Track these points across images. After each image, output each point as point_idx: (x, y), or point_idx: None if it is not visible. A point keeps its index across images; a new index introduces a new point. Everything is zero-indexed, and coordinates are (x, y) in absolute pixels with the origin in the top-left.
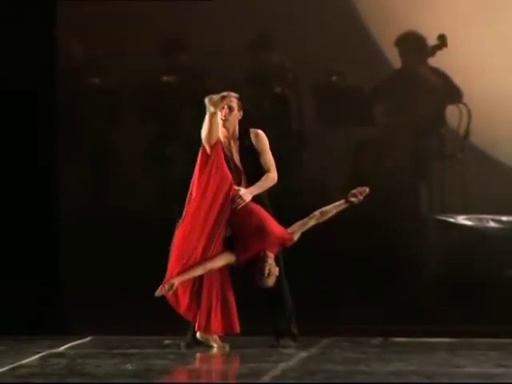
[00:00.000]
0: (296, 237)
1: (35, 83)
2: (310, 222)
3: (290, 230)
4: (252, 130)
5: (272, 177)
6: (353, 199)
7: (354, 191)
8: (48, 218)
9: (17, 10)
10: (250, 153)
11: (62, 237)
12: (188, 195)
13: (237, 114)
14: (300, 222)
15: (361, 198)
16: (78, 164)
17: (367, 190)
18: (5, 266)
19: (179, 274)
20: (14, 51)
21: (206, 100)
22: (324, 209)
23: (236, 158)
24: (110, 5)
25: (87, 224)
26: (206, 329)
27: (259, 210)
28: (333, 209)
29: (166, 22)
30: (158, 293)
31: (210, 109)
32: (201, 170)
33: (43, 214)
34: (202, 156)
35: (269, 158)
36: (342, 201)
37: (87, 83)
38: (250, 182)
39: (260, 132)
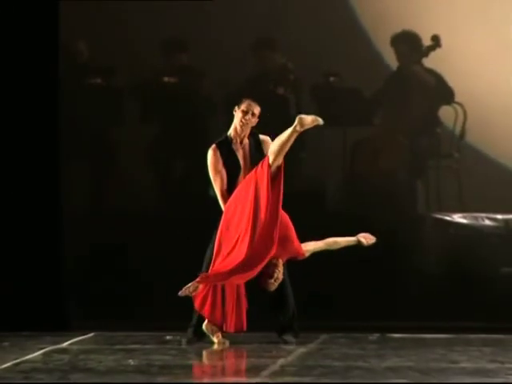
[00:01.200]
0: (307, 254)
1: (37, 83)
2: (323, 246)
3: (303, 245)
4: (261, 136)
5: None
6: (362, 240)
7: (364, 234)
8: (49, 216)
9: (19, 10)
10: (255, 155)
11: (63, 235)
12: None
13: (256, 121)
14: (314, 243)
15: (369, 242)
16: (78, 164)
17: (374, 239)
18: (8, 265)
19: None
20: (16, 51)
21: (297, 118)
22: (338, 239)
23: (240, 156)
24: (112, 5)
25: (88, 223)
26: (231, 327)
27: (286, 218)
28: (344, 242)
29: (167, 22)
30: (181, 293)
31: (296, 127)
32: (272, 185)
33: (45, 213)
34: (268, 168)
35: None
36: (354, 238)
37: (89, 83)
38: None
39: (268, 139)
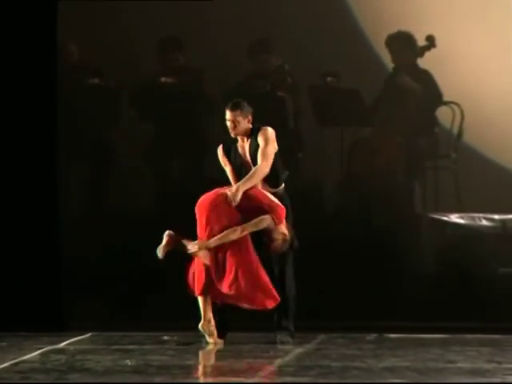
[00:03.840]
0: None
1: (35, 83)
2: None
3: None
4: (261, 127)
5: (260, 168)
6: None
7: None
8: (48, 217)
9: (17, 10)
10: (256, 147)
11: (62, 235)
12: None
13: (245, 119)
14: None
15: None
16: (77, 164)
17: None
18: (6, 265)
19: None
20: (14, 51)
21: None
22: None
23: (247, 155)
24: (109, 5)
25: (87, 223)
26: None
27: (256, 193)
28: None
29: (165, 22)
30: (190, 249)
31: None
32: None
33: (43, 213)
34: None
35: (265, 150)
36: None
37: (87, 83)
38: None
39: (265, 128)
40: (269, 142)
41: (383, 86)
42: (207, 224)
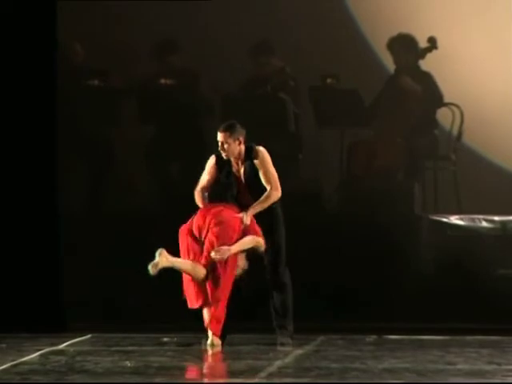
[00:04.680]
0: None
1: (35, 83)
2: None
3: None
4: (254, 148)
5: (275, 194)
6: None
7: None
8: (48, 217)
9: (17, 10)
10: (253, 169)
11: (61, 236)
12: None
13: (235, 142)
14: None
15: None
16: (77, 164)
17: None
18: (6, 266)
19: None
20: (13, 51)
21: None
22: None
23: (242, 178)
24: (109, 6)
25: (87, 223)
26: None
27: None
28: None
29: (165, 23)
30: (214, 256)
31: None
32: None
33: (43, 213)
34: None
35: (269, 174)
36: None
37: (87, 83)
38: (255, 198)
39: (260, 148)
40: (268, 164)
41: (383, 87)
42: (218, 236)
